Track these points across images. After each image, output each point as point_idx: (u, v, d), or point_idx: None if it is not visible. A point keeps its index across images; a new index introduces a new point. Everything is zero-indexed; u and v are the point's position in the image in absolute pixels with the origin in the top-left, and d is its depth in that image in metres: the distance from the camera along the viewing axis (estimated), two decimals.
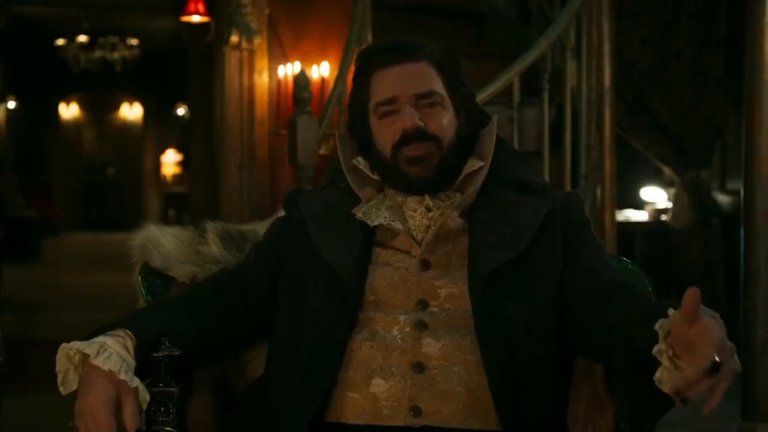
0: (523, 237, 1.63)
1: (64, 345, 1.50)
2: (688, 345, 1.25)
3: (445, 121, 1.67)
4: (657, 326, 1.30)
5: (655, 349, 1.31)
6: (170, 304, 1.69)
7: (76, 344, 1.49)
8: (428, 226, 1.65)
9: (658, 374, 1.31)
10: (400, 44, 1.71)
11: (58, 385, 1.51)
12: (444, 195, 1.68)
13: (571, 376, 1.65)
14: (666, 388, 1.29)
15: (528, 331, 1.58)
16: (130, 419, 1.45)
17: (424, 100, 1.66)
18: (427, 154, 1.64)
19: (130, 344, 1.50)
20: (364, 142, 1.73)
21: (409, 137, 1.64)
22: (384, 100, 1.67)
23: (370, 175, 1.71)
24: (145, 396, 1.48)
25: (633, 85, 5.45)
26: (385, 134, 1.67)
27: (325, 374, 1.58)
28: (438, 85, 1.68)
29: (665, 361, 1.30)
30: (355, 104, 1.73)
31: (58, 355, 1.50)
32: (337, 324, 1.60)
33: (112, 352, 1.47)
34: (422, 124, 1.64)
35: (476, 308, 1.58)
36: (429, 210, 1.66)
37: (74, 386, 1.49)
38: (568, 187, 3.93)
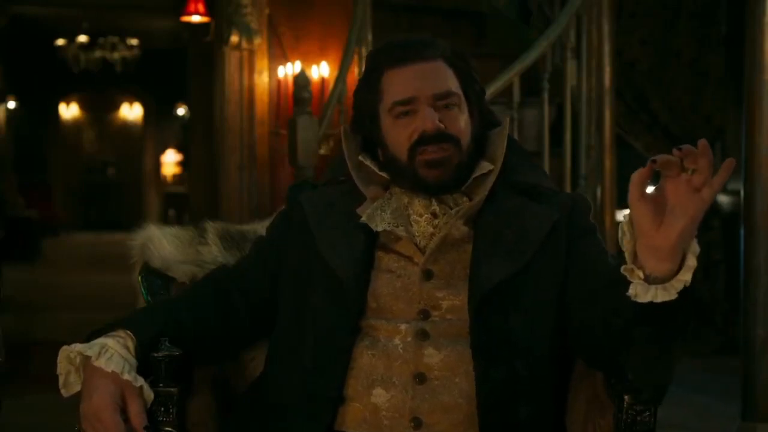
0: (528, 245, 1.60)
1: (64, 347, 1.50)
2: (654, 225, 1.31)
3: (463, 123, 1.63)
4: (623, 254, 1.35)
5: (623, 268, 1.35)
6: (170, 304, 1.69)
7: (77, 346, 1.49)
8: (432, 234, 1.62)
9: (631, 290, 1.34)
10: (412, 42, 1.67)
11: (60, 387, 1.52)
12: (451, 199, 1.64)
13: (571, 375, 1.64)
14: (642, 299, 1.33)
15: (530, 338, 1.57)
16: (137, 417, 1.46)
17: (442, 101, 1.62)
18: (447, 156, 1.60)
19: (130, 344, 1.51)
20: (369, 141, 1.69)
21: (427, 138, 1.59)
22: (402, 100, 1.62)
23: (378, 172, 1.67)
24: (149, 394, 1.49)
25: (633, 85, 5.45)
26: (400, 135, 1.62)
27: (330, 383, 1.56)
28: (454, 85, 1.64)
29: (635, 279, 1.34)
30: (362, 103, 1.69)
31: (59, 358, 1.50)
32: (339, 331, 1.59)
33: (113, 353, 1.48)
34: (442, 126, 1.60)
35: (474, 323, 1.55)
36: (435, 216, 1.63)
37: (76, 388, 1.50)
38: (568, 188, 3.93)
